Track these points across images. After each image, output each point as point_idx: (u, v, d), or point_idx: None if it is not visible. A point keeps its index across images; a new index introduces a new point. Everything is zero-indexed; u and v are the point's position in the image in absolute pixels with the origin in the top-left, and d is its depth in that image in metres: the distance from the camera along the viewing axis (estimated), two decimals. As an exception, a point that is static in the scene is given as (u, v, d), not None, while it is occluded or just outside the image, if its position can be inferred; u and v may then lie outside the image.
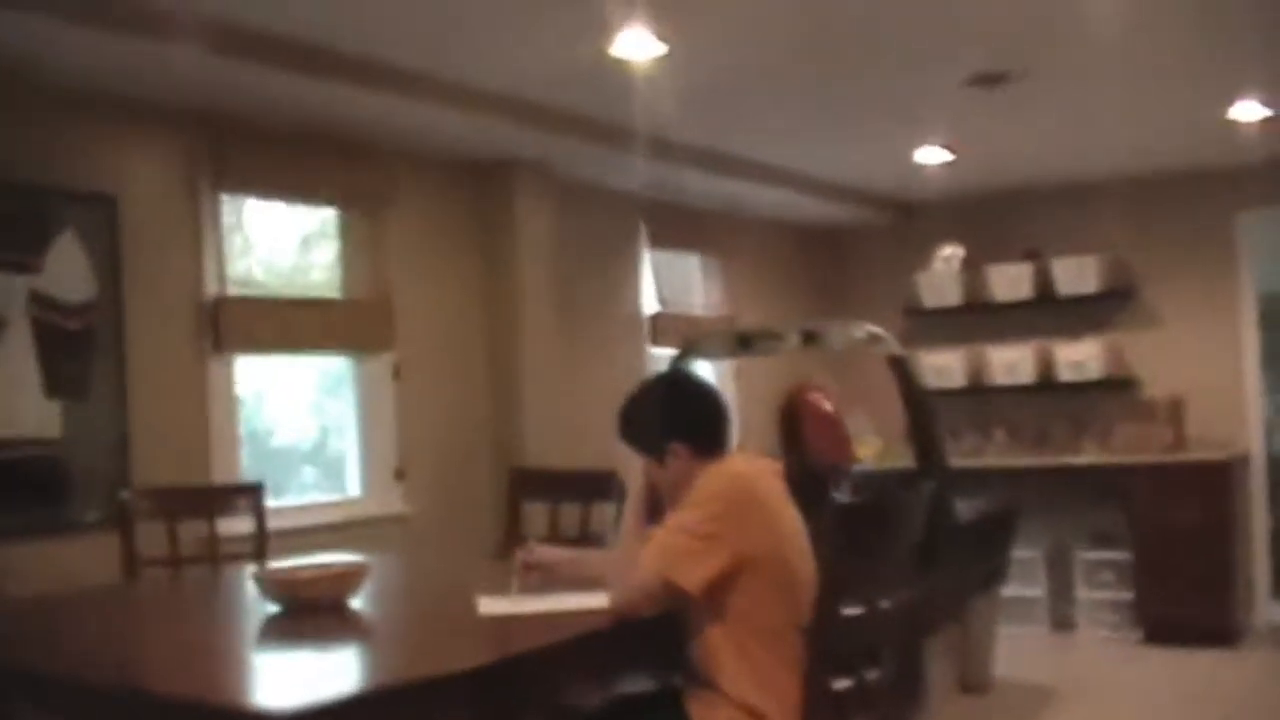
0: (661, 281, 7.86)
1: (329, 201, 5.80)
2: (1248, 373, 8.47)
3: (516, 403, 6.41)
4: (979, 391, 8.85)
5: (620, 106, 5.76)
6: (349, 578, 3.40)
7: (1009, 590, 7.55)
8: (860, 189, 8.70)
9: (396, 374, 6.03)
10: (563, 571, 3.47)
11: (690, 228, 8.06)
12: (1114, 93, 6.51)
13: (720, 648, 3.05)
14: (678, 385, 3.36)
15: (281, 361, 5.71)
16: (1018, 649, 7.56)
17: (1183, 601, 7.84)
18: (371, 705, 2.44)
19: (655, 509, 3.32)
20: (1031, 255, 8.76)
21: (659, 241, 7.80)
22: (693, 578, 2.99)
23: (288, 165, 5.52)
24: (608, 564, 3.36)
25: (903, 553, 3.20)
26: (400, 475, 6.01)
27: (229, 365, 5.28)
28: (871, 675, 3.10)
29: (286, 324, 5.46)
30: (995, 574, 6.91)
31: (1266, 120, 7.10)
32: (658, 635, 3.11)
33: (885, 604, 3.12)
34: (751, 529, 3.05)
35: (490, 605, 3.25)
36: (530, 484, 5.03)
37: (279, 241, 5.76)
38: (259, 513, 4.66)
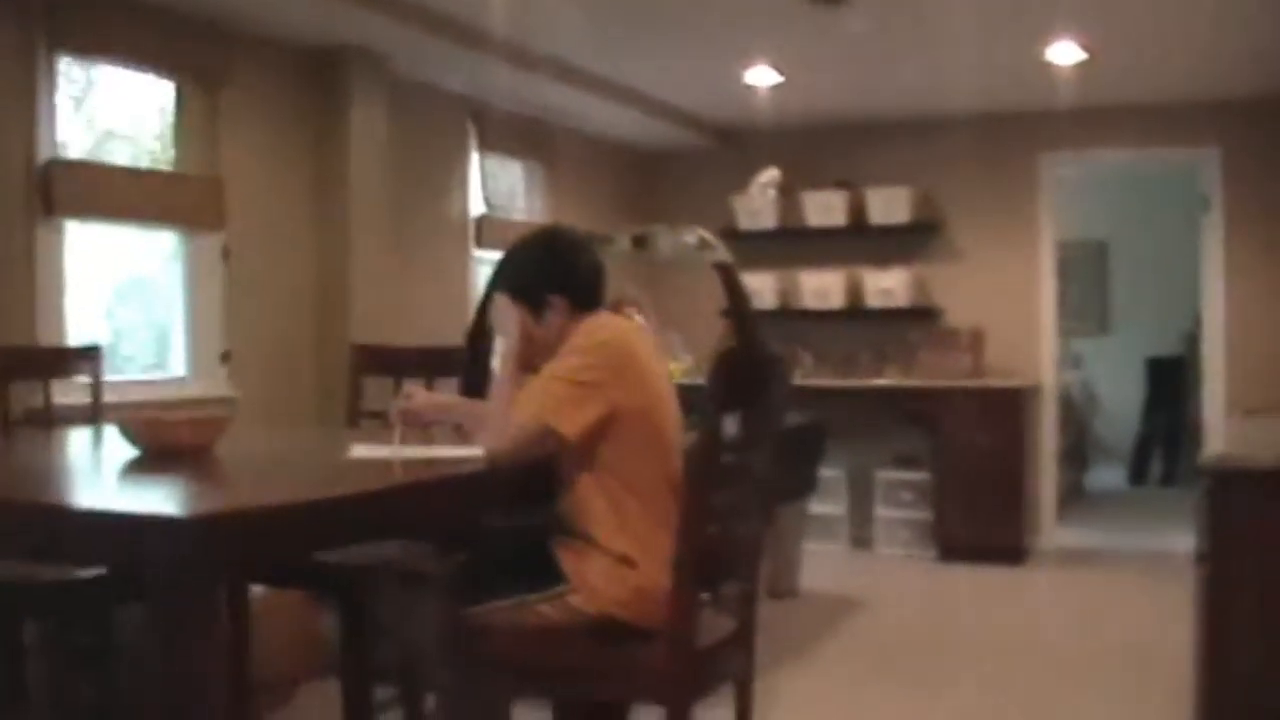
0: (488, 185, 7.83)
1: (167, 73, 5.64)
2: (1044, 308, 8.87)
3: (344, 293, 6.35)
4: (789, 314, 9.07)
5: None
6: (213, 423, 3.36)
7: (812, 508, 7.80)
8: (687, 110, 8.80)
9: (225, 255, 5.91)
10: (440, 417, 3.47)
11: (519, 135, 8.06)
12: (941, 25, 6.70)
13: (593, 497, 3.10)
14: (558, 240, 3.38)
15: (111, 234, 5.54)
16: (819, 564, 7.80)
17: (977, 522, 8.20)
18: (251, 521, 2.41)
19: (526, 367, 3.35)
20: (845, 185, 8.99)
21: (487, 145, 7.78)
22: (571, 424, 3.03)
23: (126, 31, 5.35)
24: (484, 412, 3.39)
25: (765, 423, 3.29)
26: (226, 358, 5.90)
27: (60, 231, 5.11)
28: (740, 530, 3.20)
29: (119, 193, 5.31)
30: (805, 484, 7.12)
31: (1080, 64, 7.41)
32: (529, 484, 3.15)
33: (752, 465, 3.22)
34: (629, 381, 3.11)
35: (364, 451, 3.24)
36: (372, 361, 4.99)
37: (115, 110, 5.57)
38: (96, 377, 4.54)
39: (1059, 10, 6.45)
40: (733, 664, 3.24)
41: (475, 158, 7.75)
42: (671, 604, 2.95)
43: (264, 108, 6.19)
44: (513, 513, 3.24)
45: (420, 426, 3.46)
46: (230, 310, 5.91)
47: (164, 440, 3.22)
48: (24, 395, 4.50)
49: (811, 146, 9.17)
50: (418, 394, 3.52)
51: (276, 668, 4.73)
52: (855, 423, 8.60)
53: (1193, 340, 10.80)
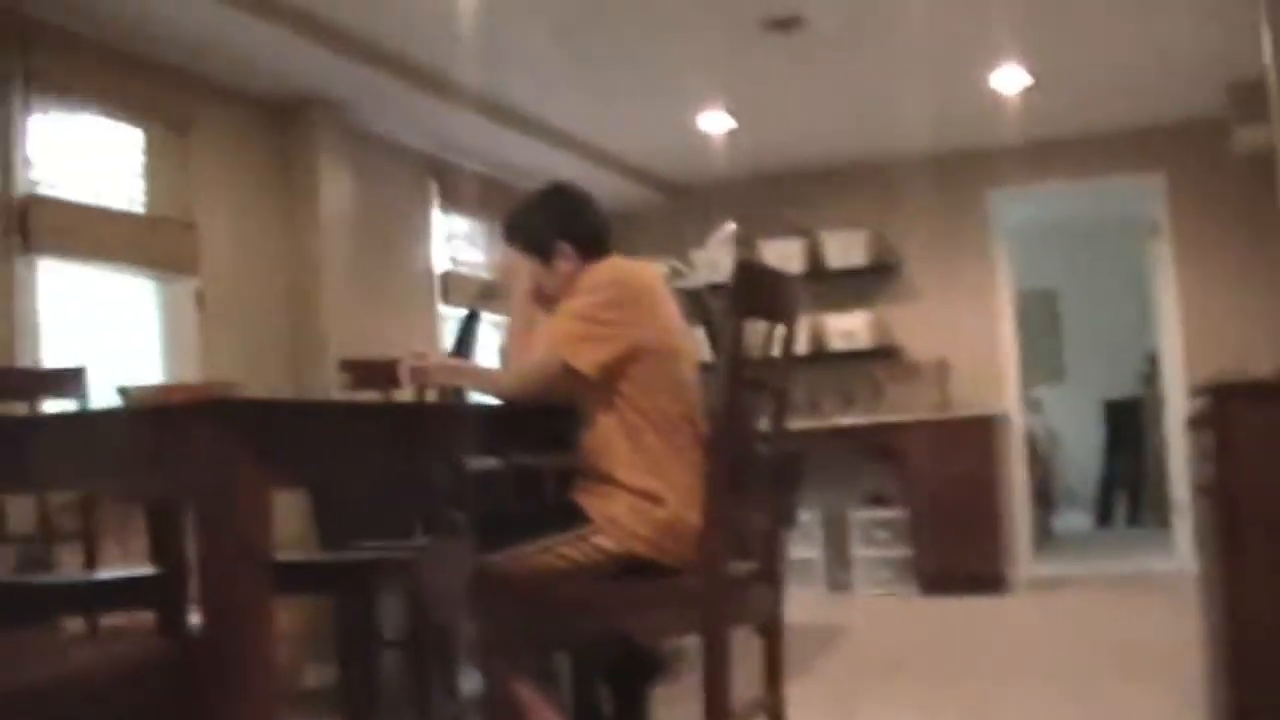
0: (452, 241, 7.89)
1: (136, 117, 5.67)
2: (1004, 339, 8.96)
3: (318, 339, 6.36)
4: (753, 363, 9.08)
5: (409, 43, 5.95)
6: (220, 388, 3.34)
7: (788, 552, 7.78)
8: (642, 165, 8.92)
9: (200, 301, 5.89)
10: (450, 379, 3.45)
11: (480, 193, 8.13)
12: (891, 51, 6.85)
13: (614, 436, 3.09)
14: (564, 190, 3.41)
15: (88, 277, 5.51)
16: (800, 606, 7.73)
17: (955, 553, 8.22)
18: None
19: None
20: (802, 232, 9.09)
21: (450, 203, 7.84)
22: (590, 361, 3.04)
23: (98, 74, 5.41)
24: (495, 375, 3.38)
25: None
26: (204, 401, 5.85)
27: (34, 268, 5.08)
28: (764, 457, 3.20)
29: (94, 232, 5.31)
30: (786, 513, 7.10)
31: (1026, 91, 7.58)
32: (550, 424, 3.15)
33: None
34: (644, 318, 3.13)
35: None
36: (363, 376, 4.97)
37: (91, 152, 5.57)
38: (83, 397, 4.49)
39: (1005, 35, 6.63)
40: (762, 600, 3.23)
41: (437, 215, 7.80)
42: (704, 528, 2.93)
43: (234, 155, 6.25)
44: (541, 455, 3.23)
45: (429, 387, 3.45)
46: (207, 353, 5.88)
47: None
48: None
49: (766, 195, 9.28)
50: (429, 354, 3.51)
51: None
52: (826, 465, 8.61)
53: (1148, 381, 10.96)
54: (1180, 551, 8.33)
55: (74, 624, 3.93)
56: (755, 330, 3.05)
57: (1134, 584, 8.38)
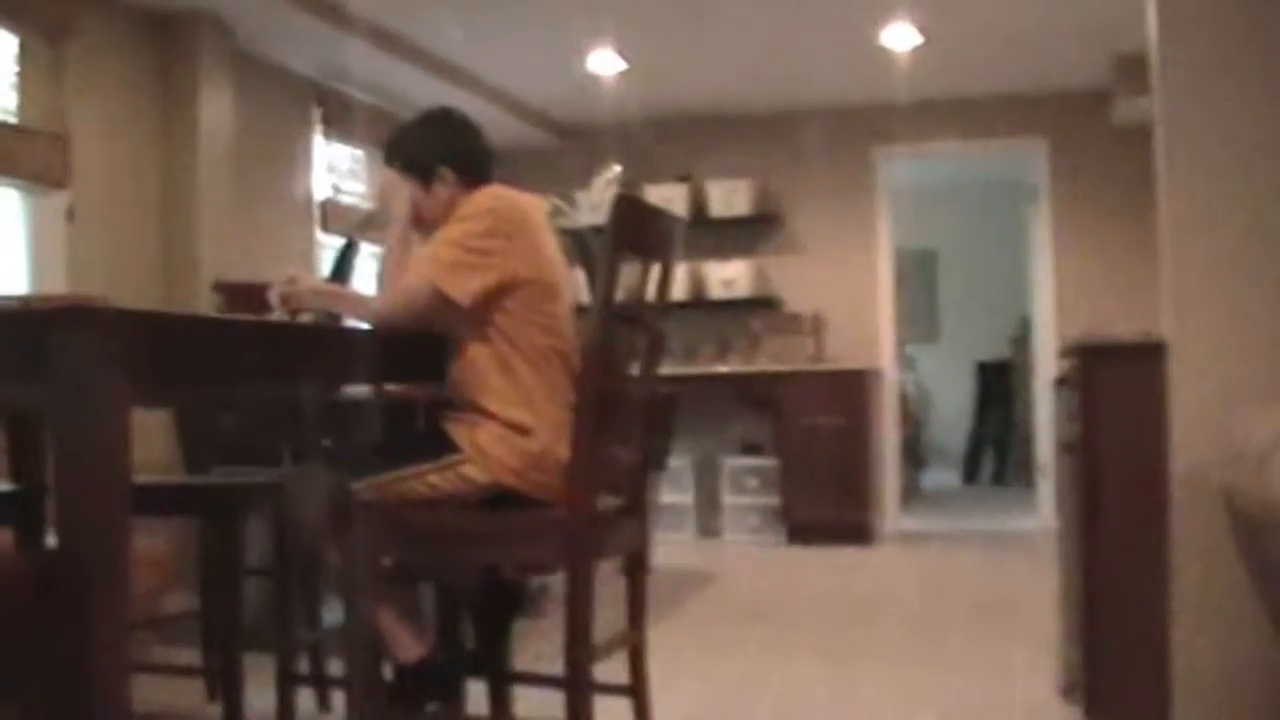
0: (334, 170, 7.78)
1: (9, 23, 5.49)
2: (881, 296, 9.06)
3: (192, 263, 6.23)
4: (632, 308, 9.09)
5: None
6: (85, 300, 3.24)
7: (659, 497, 7.83)
8: (532, 104, 8.85)
9: (70, 216, 5.74)
10: (321, 304, 3.38)
11: (363, 121, 8.00)
12: (780, 4, 6.86)
13: (486, 366, 3.06)
14: (450, 115, 3.35)
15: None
16: (669, 551, 7.83)
17: (823, 504, 8.33)
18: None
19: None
20: (685, 178, 9.09)
21: (333, 130, 7.72)
22: (463, 289, 3.00)
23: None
24: (367, 301, 3.33)
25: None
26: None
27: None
28: (633, 393, 3.20)
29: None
30: (658, 455, 7.14)
31: (915, 50, 7.63)
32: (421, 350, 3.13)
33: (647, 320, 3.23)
34: (522, 249, 3.09)
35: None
36: (239, 299, 4.87)
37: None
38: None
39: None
40: (627, 535, 3.23)
41: (319, 141, 7.67)
42: (571, 461, 2.92)
43: (112, 67, 6.06)
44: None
45: (300, 311, 3.37)
46: (75, 269, 5.73)
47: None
48: None
49: (652, 141, 9.25)
50: (301, 278, 3.43)
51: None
52: (701, 411, 8.67)
53: (1020, 345, 11.18)
54: (1043, 511, 8.53)
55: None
56: (632, 272, 3.03)
57: (997, 541, 8.56)
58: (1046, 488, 8.38)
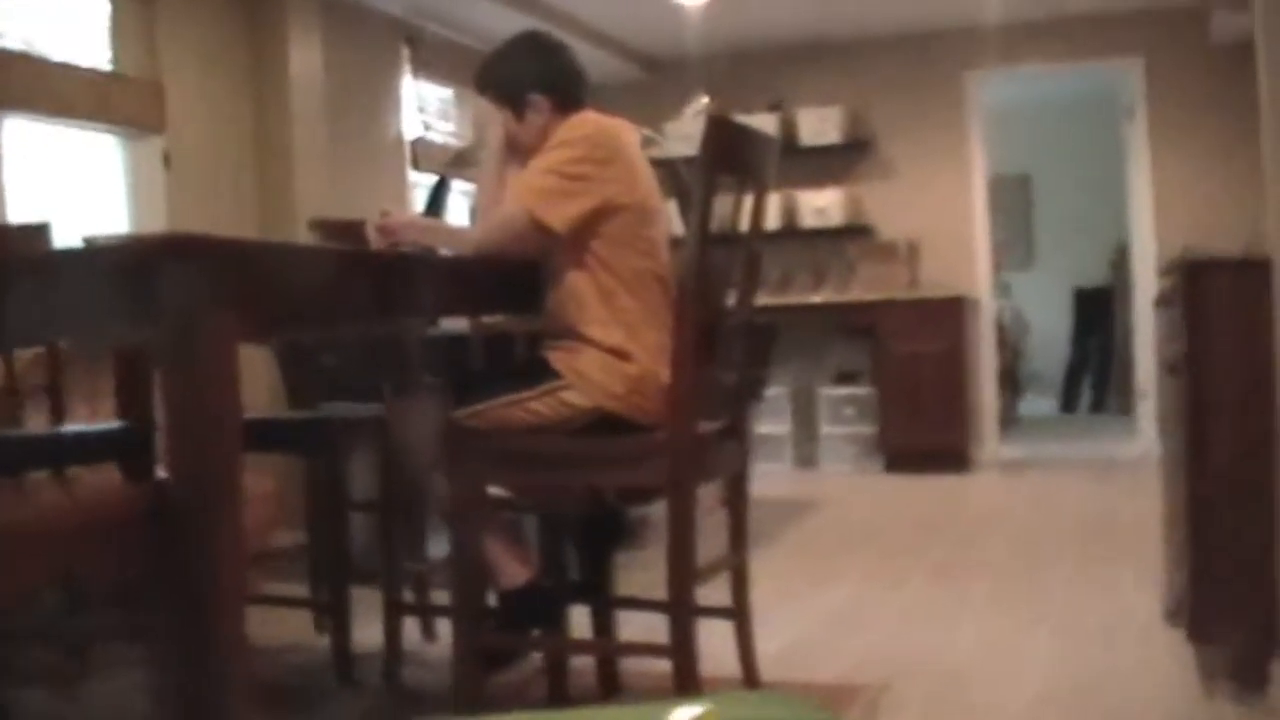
0: (423, 110, 7.80)
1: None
2: (976, 222, 8.94)
3: (289, 206, 6.28)
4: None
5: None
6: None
7: (756, 428, 7.82)
8: (617, 37, 8.79)
9: (167, 162, 5.81)
10: (417, 237, 3.39)
11: (451, 60, 8.01)
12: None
13: (584, 292, 3.07)
14: (539, 39, 3.33)
15: (54, 135, 5.42)
16: (767, 481, 7.81)
17: (921, 432, 8.28)
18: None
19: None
20: (775, 107, 9.01)
21: (421, 70, 7.74)
22: (560, 216, 3.00)
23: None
24: (463, 233, 3.34)
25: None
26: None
27: (-5, 122, 5.00)
28: (732, 319, 3.19)
29: (60, 89, 5.21)
30: (757, 384, 7.12)
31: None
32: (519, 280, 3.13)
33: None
34: (618, 174, 3.08)
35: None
36: (334, 237, 4.92)
37: (57, 9, 5.44)
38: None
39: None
40: (729, 457, 3.23)
41: (409, 81, 7.69)
42: (672, 384, 2.92)
43: (202, 14, 6.12)
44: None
45: (396, 244, 3.39)
46: (173, 212, 5.81)
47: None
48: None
49: (741, 71, 9.18)
50: (397, 213, 3.46)
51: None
52: (797, 342, 8.63)
53: (1119, 270, 10.98)
54: (1142, 437, 8.41)
55: (40, 480, 3.91)
56: (725, 202, 3.02)
57: (1097, 467, 8.47)
58: (1147, 415, 8.25)
